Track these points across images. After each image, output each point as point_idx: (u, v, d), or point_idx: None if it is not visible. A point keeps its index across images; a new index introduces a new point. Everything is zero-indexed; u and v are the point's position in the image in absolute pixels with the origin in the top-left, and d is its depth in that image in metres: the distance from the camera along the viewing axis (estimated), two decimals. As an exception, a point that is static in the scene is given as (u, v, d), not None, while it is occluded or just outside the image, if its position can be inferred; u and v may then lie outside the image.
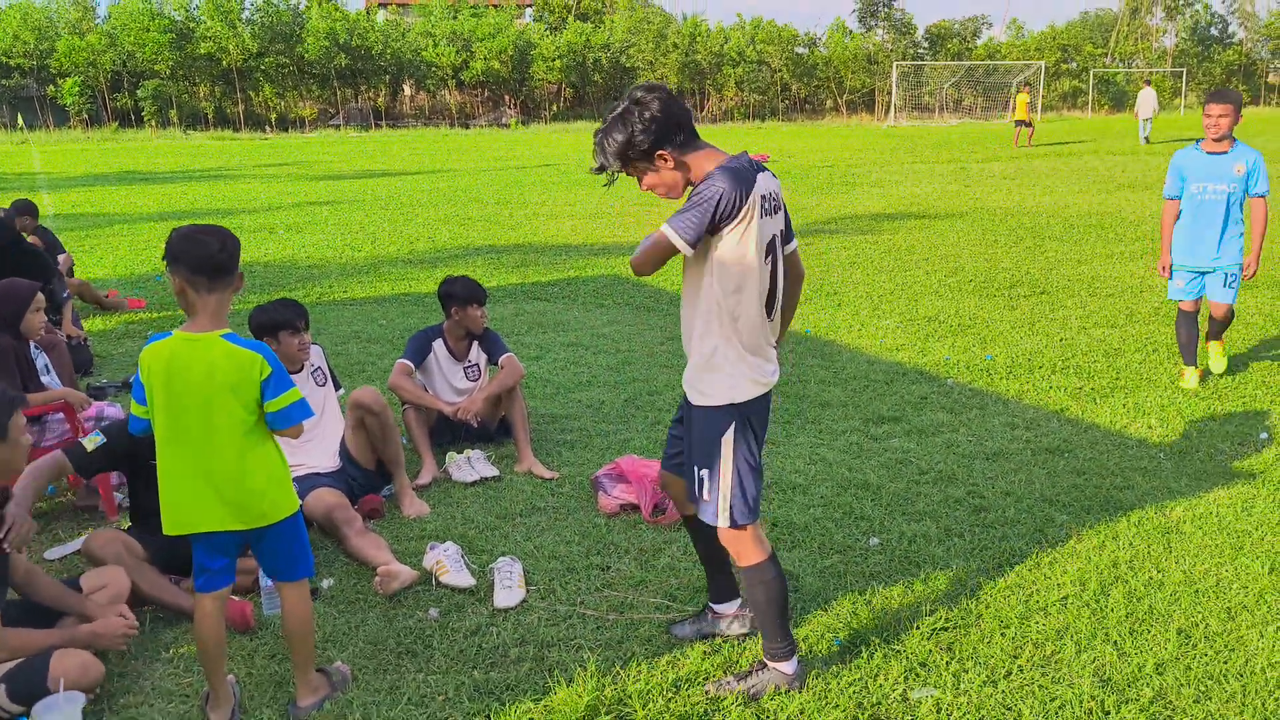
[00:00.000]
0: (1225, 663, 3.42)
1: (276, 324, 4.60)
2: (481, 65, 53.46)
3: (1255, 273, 6.48)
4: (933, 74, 57.50)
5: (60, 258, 9.04)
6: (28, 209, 9.19)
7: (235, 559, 3.15)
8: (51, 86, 47.65)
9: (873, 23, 65.93)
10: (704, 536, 3.51)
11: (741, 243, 2.95)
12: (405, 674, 3.44)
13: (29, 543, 3.57)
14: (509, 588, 3.94)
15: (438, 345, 5.63)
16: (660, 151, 2.99)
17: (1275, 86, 67.28)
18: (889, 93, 55.28)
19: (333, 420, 4.96)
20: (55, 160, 30.23)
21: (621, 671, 3.41)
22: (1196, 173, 6.36)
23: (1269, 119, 45.78)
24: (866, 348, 7.70)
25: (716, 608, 3.65)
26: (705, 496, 3.16)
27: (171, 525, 3.03)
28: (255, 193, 20.33)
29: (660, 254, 2.96)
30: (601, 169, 3.07)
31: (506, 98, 57.70)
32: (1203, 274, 6.45)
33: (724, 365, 3.06)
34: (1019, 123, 30.64)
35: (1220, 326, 6.62)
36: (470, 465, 5.26)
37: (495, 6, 57.77)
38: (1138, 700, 3.22)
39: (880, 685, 3.31)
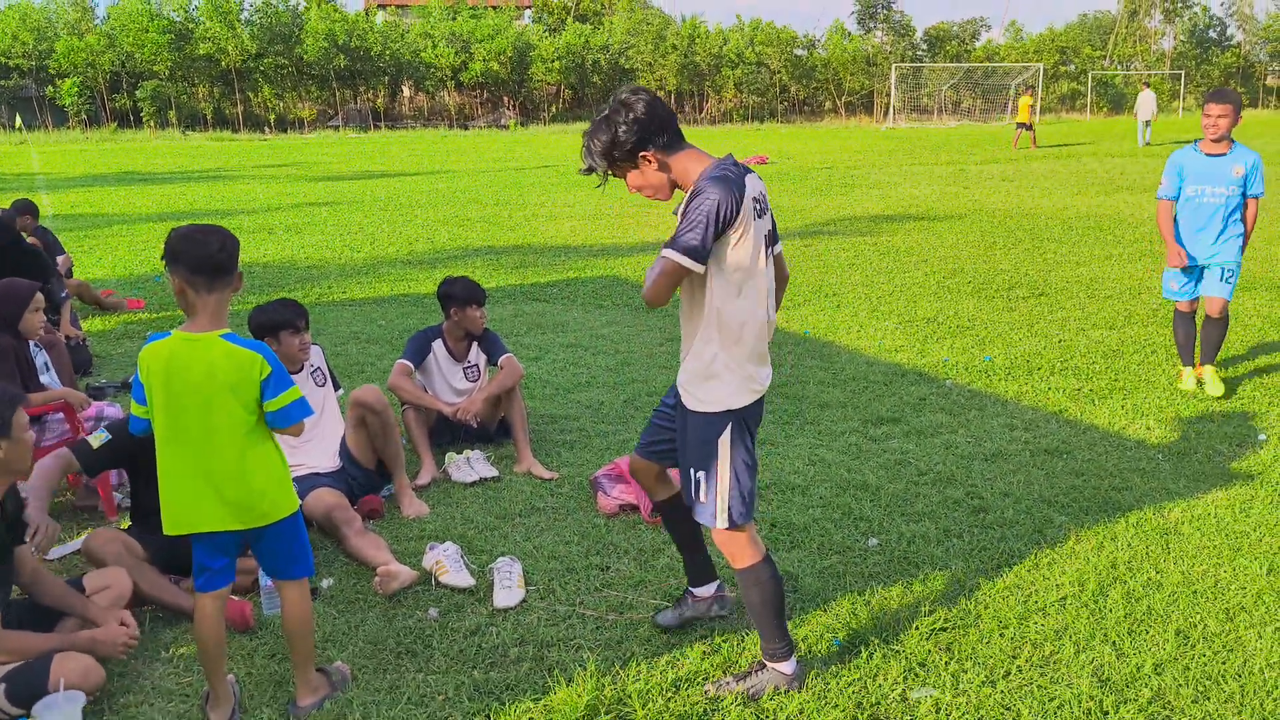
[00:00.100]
0: (1223, 663, 3.43)
1: (277, 324, 4.61)
2: (480, 66, 53.49)
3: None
4: (931, 76, 57.56)
5: (59, 259, 9.04)
6: (28, 209, 9.20)
7: (235, 558, 3.16)
8: (50, 87, 47.66)
9: (871, 25, 66.04)
10: (680, 520, 3.56)
11: (740, 248, 2.96)
12: (405, 674, 3.45)
13: (54, 543, 3.58)
14: (508, 588, 3.94)
15: (437, 346, 5.63)
16: (644, 152, 3.01)
17: (1274, 89, 67.36)
18: (888, 94, 55.34)
19: (332, 420, 4.96)
20: (54, 161, 30.22)
21: (621, 671, 3.42)
22: (1194, 174, 6.30)
23: (1267, 121, 45.85)
24: (865, 349, 7.71)
25: (695, 591, 3.69)
26: (702, 499, 3.16)
27: (171, 525, 3.04)
28: (254, 193, 20.33)
29: (672, 281, 2.93)
30: (590, 170, 3.10)
31: (505, 99, 57.75)
32: (1199, 269, 6.40)
33: (723, 373, 3.06)
34: (1020, 125, 30.65)
35: (1214, 341, 6.40)
36: (470, 466, 5.26)
37: (494, 8, 57.79)
38: (1136, 700, 3.22)
39: (879, 685, 3.32)
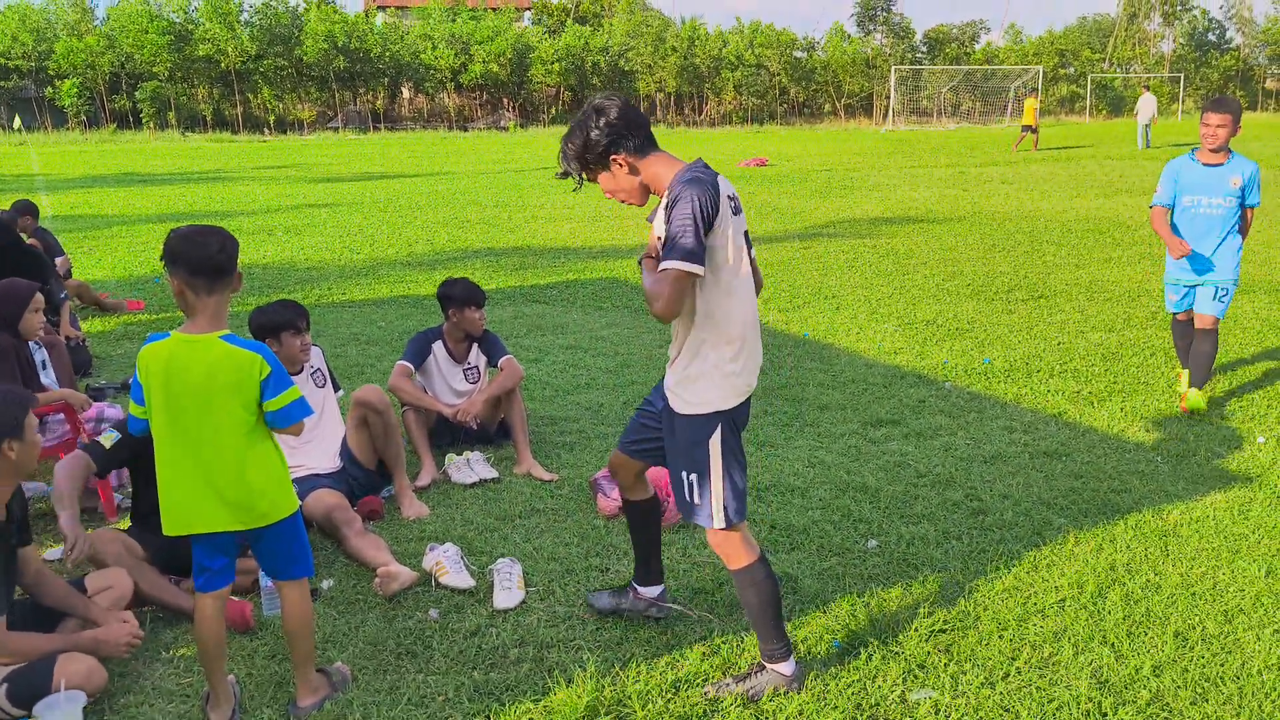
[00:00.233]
0: (1222, 665, 3.44)
1: (278, 325, 4.61)
2: (480, 68, 53.51)
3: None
4: (931, 78, 57.60)
5: (58, 260, 9.04)
6: (29, 209, 9.22)
7: (235, 559, 3.16)
8: (50, 88, 47.65)
9: (871, 27, 66.08)
10: (647, 523, 3.65)
11: (723, 246, 3.00)
12: (405, 674, 3.45)
13: (88, 556, 3.58)
14: (508, 589, 3.95)
15: (437, 347, 5.64)
16: (615, 156, 3.06)
17: (1273, 92, 67.44)
18: (887, 97, 55.37)
19: (332, 421, 4.96)
20: (53, 162, 30.22)
21: (621, 672, 3.42)
22: (1190, 185, 6.12)
23: (1267, 124, 45.90)
24: (865, 351, 7.72)
25: (640, 589, 3.74)
26: (696, 500, 3.17)
27: (171, 525, 3.04)
28: (254, 195, 20.33)
29: (681, 290, 2.92)
30: (565, 174, 3.16)
31: (505, 100, 57.77)
32: (1193, 287, 6.26)
33: (713, 374, 3.08)
34: (1026, 128, 30.70)
35: (1204, 361, 6.19)
36: (469, 467, 5.27)
37: (494, 10, 57.82)
38: (1135, 702, 3.23)
39: (879, 686, 3.33)
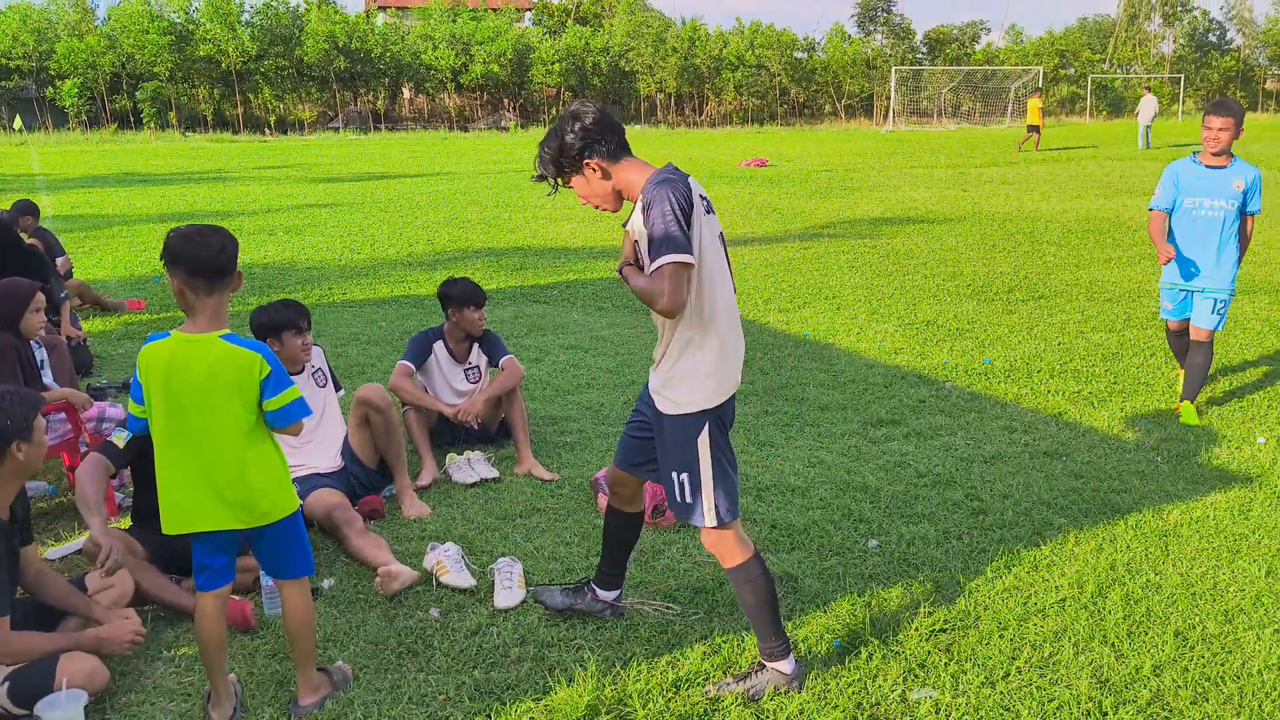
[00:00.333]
0: (1222, 665, 3.44)
1: (279, 324, 4.62)
2: (480, 68, 53.50)
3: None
4: (931, 79, 57.61)
5: (59, 260, 9.05)
6: (30, 209, 9.23)
7: (235, 557, 3.16)
8: (51, 88, 47.65)
9: (871, 28, 66.07)
10: (627, 531, 3.68)
11: (701, 240, 3.03)
12: (406, 673, 3.45)
13: (121, 565, 3.59)
14: (509, 588, 3.95)
15: (438, 347, 5.64)
16: (588, 160, 3.11)
17: (1273, 93, 67.43)
18: (887, 98, 55.36)
19: (333, 421, 4.97)
20: (54, 162, 30.23)
21: (622, 671, 3.43)
22: (1191, 187, 6.00)
23: (1267, 125, 45.90)
24: (865, 351, 7.72)
25: (598, 591, 3.77)
26: (688, 500, 3.19)
27: (170, 524, 3.05)
28: (254, 195, 20.34)
29: (679, 282, 2.94)
30: (541, 178, 3.21)
31: (505, 101, 57.77)
32: (1190, 294, 6.13)
33: (700, 370, 3.10)
34: (1031, 128, 30.75)
35: (1198, 373, 6.09)
36: (470, 466, 5.27)
37: (494, 10, 57.83)
38: (1135, 702, 3.23)
39: (879, 686, 3.33)
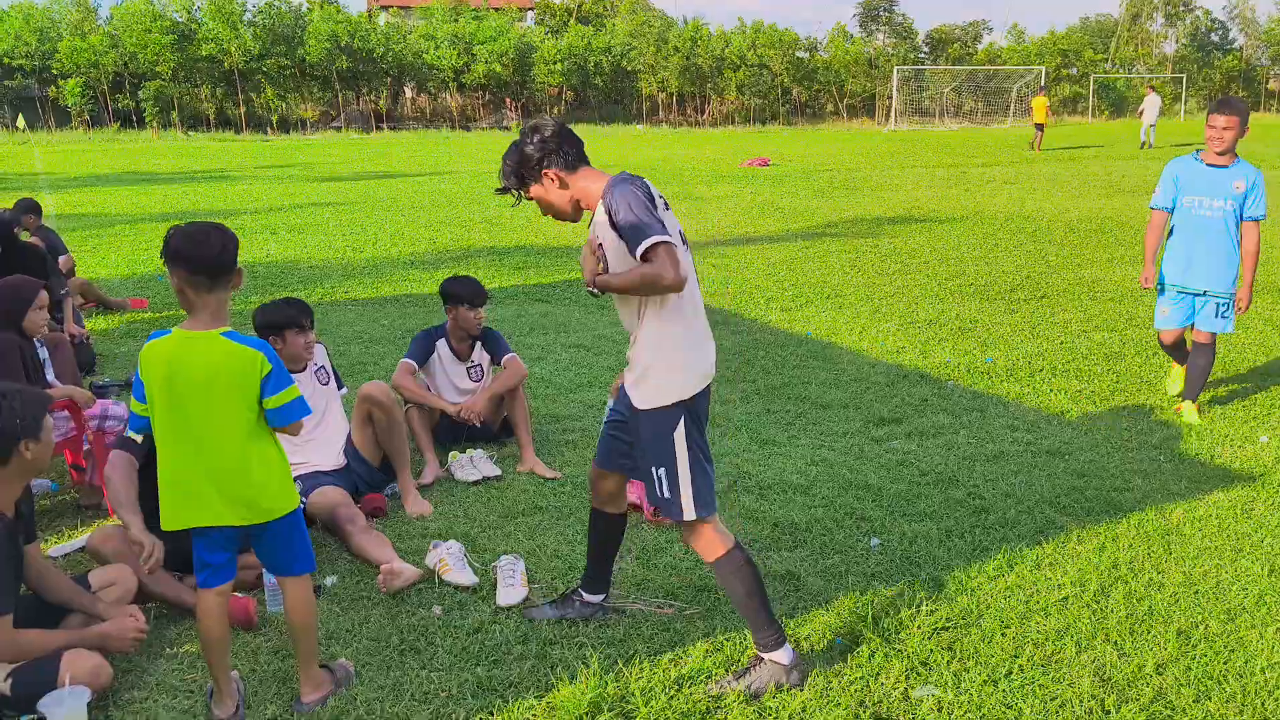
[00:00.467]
0: (1225, 663, 3.44)
1: (282, 323, 4.62)
2: (483, 68, 53.49)
3: (1247, 306, 5.91)
4: (933, 78, 57.56)
5: (61, 258, 9.06)
6: (32, 208, 9.25)
7: (236, 554, 3.17)
8: (53, 87, 47.69)
9: (873, 27, 66.04)
10: (611, 533, 3.71)
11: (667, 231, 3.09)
12: (409, 671, 3.46)
13: (160, 563, 3.59)
14: (511, 586, 3.95)
15: (441, 345, 5.64)
16: (546, 170, 3.20)
17: (1275, 93, 67.36)
18: (890, 97, 55.34)
19: (336, 419, 4.97)
20: (57, 161, 30.26)
21: (624, 669, 3.43)
22: (1192, 186, 5.87)
23: (1270, 125, 45.84)
24: (868, 350, 7.72)
25: (585, 596, 3.79)
26: (668, 495, 3.22)
27: (169, 520, 3.05)
28: (257, 194, 20.35)
29: (672, 258, 3.00)
30: (504, 190, 3.31)
31: (508, 100, 57.76)
32: (1192, 298, 5.96)
33: (671, 363, 3.16)
34: (1039, 126, 30.80)
35: (1200, 375, 6.01)
36: (473, 464, 5.27)
37: (496, 9, 57.83)
38: (1138, 700, 3.23)
39: (882, 684, 3.33)
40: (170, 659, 3.57)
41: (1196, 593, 3.92)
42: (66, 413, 5.07)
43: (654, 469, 3.22)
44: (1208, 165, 5.86)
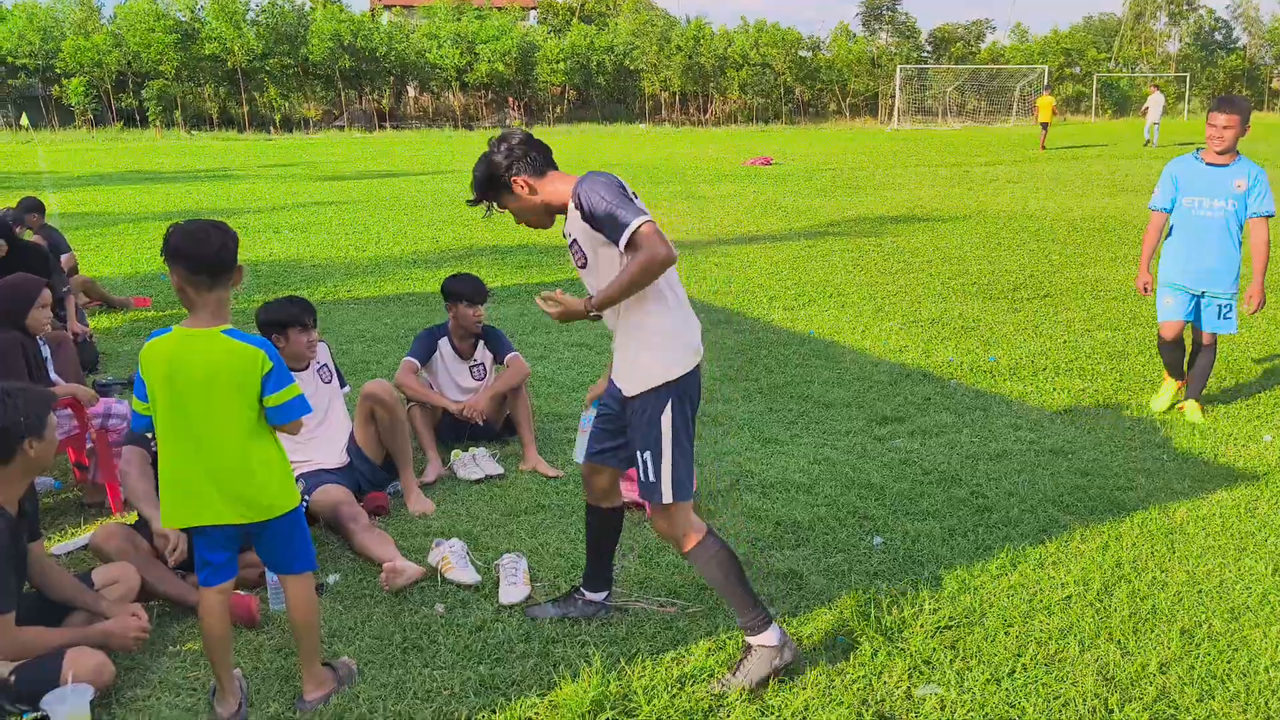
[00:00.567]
0: (1229, 662, 3.43)
1: (285, 321, 4.62)
2: (486, 67, 53.54)
3: (1261, 304, 5.75)
4: (936, 77, 57.53)
5: (64, 256, 9.07)
6: (35, 206, 9.28)
7: (237, 553, 3.17)
8: (57, 86, 47.77)
9: (876, 26, 66.02)
10: (608, 530, 3.74)
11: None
12: (411, 669, 3.46)
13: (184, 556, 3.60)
14: (514, 584, 3.95)
15: (443, 344, 5.64)
16: (516, 178, 3.24)
17: (1279, 92, 67.24)
18: (892, 96, 55.33)
19: (339, 417, 4.97)
20: (60, 160, 30.29)
21: (626, 667, 3.43)
22: (1191, 185, 5.75)
23: (1273, 124, 45.76)
24: (870, 349, 7.72)
25: (587, 594, 3.80)
26: (652, 479, 3.24)
27: (170, 519, 3.05)
28: (260, 192, 20.37)
29: (658, 236, 3.07)
30: (475, 201, 3.34)
31: (510, 100, 57.78)
32: (1195, 296, 5.86)
33: (656, 344, 3.18)
34: (1045, 125, 30.83)
35: (1203, 375, 5.97)
36: (475, 463, 5.27)
37: (499, 9, 57.85)
38: (1141, 699, 3.23)
39: (884, 682, 3.33)
40: (173, 657, 3.57)
41: (1200, 592, 3.92)
42: (69, 411, 5.08)
43: (641, 453, 3.25)
44: (1208, 164, 5.74)
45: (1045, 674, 3.37)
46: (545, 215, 3.34)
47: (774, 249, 12.53)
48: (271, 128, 50.02)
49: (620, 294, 3.09)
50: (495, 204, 3.35)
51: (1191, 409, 6.00)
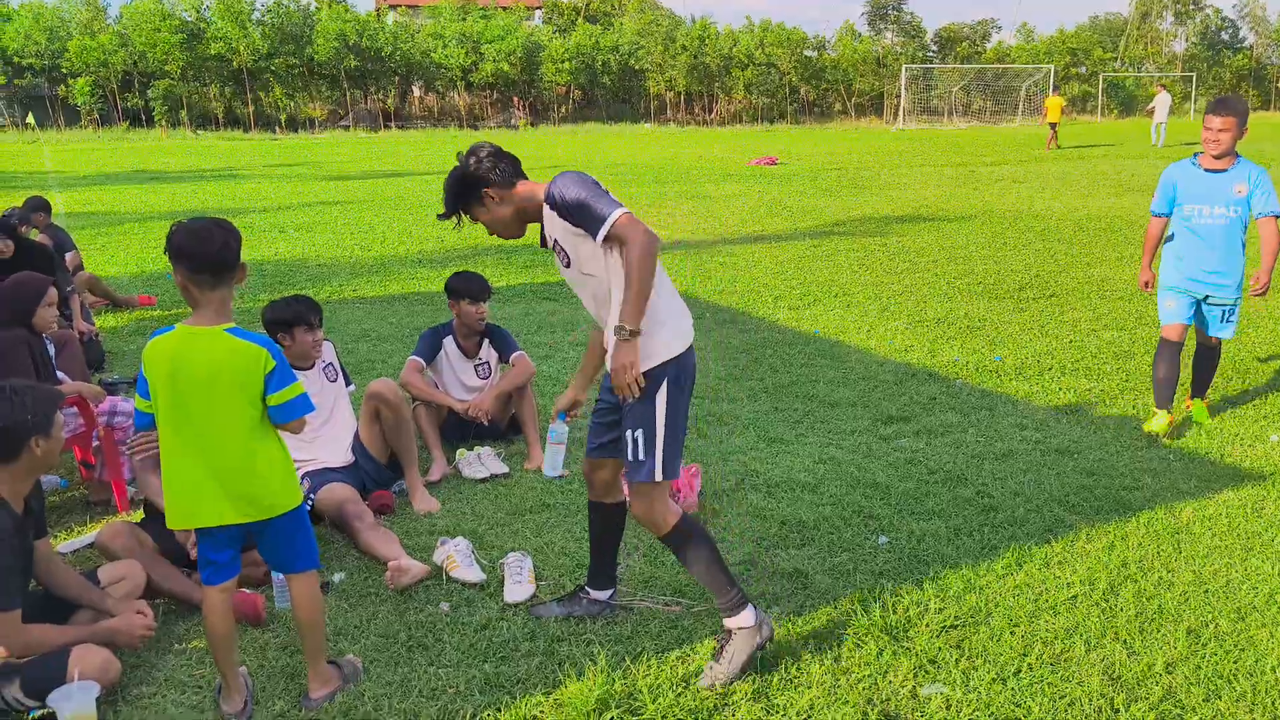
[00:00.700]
0: (1235, 662, 3.42)
1: (291, 320, 4.63)
2: (491, 67, 53.57)
3: (1266, 285, 5.47)
4: (942, 77, 57.47)
5: (69, 255, 9.10)
6: (42, 206, 9.31)
7: (240, 551, 3.17)
8: (63, 86, 47.89)
9: (882, 26, 65.94)
10: (611, 527, 3.75)
11: None
12: (416, 667, 3.46)
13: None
14: (519, 583, 3.95)
15: (448, 343, 5.65)
16: (486, 189, 3.29)
17: (1286, 91, 67.07)
18: (898, 96, 55.26)
19: (344, 416, 4.97)
20: (66, 159, 30.36)
21: (631, 666, 3.42)
22: (1190, 193, 5.58)
23: (1279, 125, 45.63)
24: (875, 348, 7.71)
25: (592, 593, 3.79)
26: (642, 457, 3.24)
27: (175, 519, 3.05)
28: (265, 192, 20.40)
29: (637, 224, 3.11)
30: (446, 215, 3.38)
31: (515, 99, 57.81)
32: (1197, 300, 5.73)
33: (659, 314, 3.19)
34: (1054, 125, 30.81)
35: (1206, 374, 5.90)
36: (480, 462, 5.28)
37: (504, 8, 57.88)
38: (1147, 699, 3.22)
39: (890, 682, 3.32)
40: (179, 654, 3.58)
41: (1206, 591, 3.91)
42: (75, 409, 5.09)
43: (630, 432, 3.25)
44: (1206, 170, 5.56)
45: (1051, 674, 3.36)
46: (517, 225, 3.38)
47: (779, 248, 12.52)
48: (277, 127, 50.09)
49: (641, 295, 3.08)
50: (466, 216, 3.39)
51: (1198, 408, 5.98)
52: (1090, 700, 3.21)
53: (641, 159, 28.68)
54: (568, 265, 3.30)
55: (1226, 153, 5.47)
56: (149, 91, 48.00)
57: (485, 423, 5.55)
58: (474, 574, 4.03)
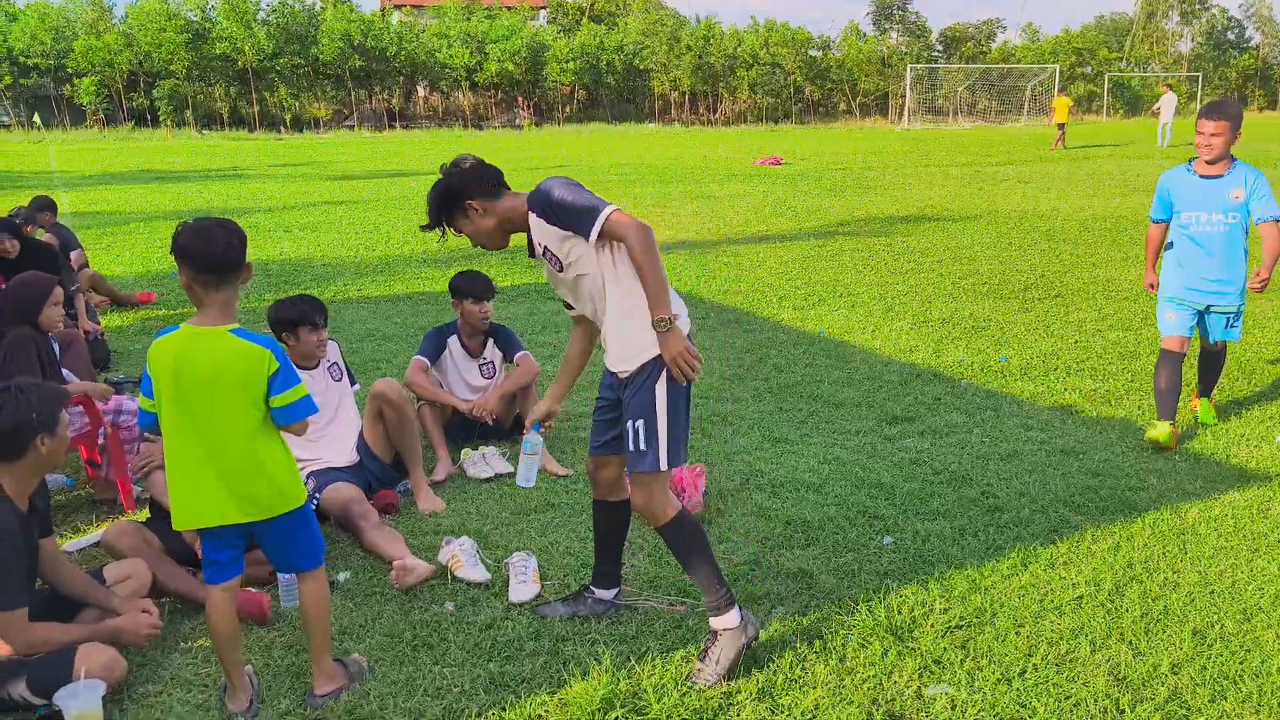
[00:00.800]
0: (1241, 663, 3.42)
1: (296, 319, 4.63)
2: (495, 67, 53.61)
3: (1265, 282, 5.38)
4: (947, 77, 57.39)
5: (74, 253, 9.12)
6: (47, 205, 9.34)
7: (243, 551, 3.17)
8: (68, 86, 48.00)
9: (887, 26, 65.89)
10: (616, 525, 3.76)
11: None
12: (421, 666, 3.46)
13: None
14: (524, 582, 3.96)
15: (453, 342, 5.65)
16: (470, 201, 3.30)
17: (1292, 91, 66.90)
18: (903, 96, 55.20)
19: (349, 415, 4.98)
20: (71, 159, 30.43)
21: (636, 665, 3.42)
22: (1186, 199, 5.49)
23: (1285, 124, 45.56)
24: (880, 349, 7.70)
25: (597, 592, 3.80)
26: (642, 447, 3.25)
27: (180, 520, 3.05)
28: (270, 192, 20.43)
29: (627, 218, 3.13)
30: (430, 227, 3.39)
31: (520, 99, 57.83)
32: (1199, 311, 5.64)
33: (644, 320, 3.20)
34: (1062, 125, 30.79)
35: (1213, 374, 5.86)
36: (485, 462, 5.28)
37: (509, 8, 57.91)
38: (1153, 699, 3.21)
39: (895, 682, 3.32)
40: (184, 653, 3.58)
41: (1212, 592, 3.90)
42: (81, 408, 5.10)
43: (631, 422, 3.27)
44: (1200, 177, 5.46)
45: (1056, 674, 3.36)
46: (500, 236, 3.41)
47: (784, 248, 12.52)
48: (282, 127, 50.16)
49: (659, 284, 3.13)
50: (450, 228, 3.41)
51: (1204, 408, 5.97)
52: (1095, 701, 3.20)
53: (646, 159, 28.68)
54: (560, 270, 3.31)
55: (1220, 157, 5.40)
56: (154, 91, 48.09)
57: (490, 422, 5.56)
58: (479, 573, 4.04)
